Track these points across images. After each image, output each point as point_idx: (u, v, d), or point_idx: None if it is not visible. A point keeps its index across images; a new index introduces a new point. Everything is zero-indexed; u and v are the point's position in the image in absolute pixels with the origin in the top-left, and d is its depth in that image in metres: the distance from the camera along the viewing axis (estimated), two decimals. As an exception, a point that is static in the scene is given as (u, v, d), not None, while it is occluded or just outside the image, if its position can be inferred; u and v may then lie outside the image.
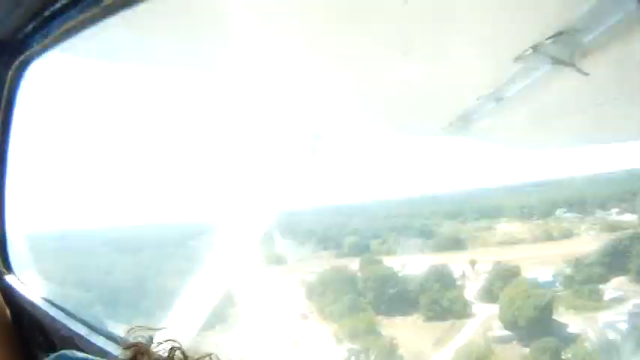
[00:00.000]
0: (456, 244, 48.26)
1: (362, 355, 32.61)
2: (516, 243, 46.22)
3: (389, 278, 33.21)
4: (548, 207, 51.50)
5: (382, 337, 31.00)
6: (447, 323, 30.83)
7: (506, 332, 24.69)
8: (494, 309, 27.79)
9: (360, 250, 53.04)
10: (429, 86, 2.01)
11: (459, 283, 32.93)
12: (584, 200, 51.54)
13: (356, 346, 32.94)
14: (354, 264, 41.75)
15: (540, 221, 52.37)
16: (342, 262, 47.59)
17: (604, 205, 47.67)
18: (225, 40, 1.56)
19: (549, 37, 1.40)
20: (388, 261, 41.23)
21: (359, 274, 39.12)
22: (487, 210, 62.44)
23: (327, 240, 61.67)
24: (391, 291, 34.21)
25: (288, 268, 51.14)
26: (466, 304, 30.27)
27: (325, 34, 1.40)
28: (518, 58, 1.33)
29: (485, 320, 28.61)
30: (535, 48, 1.39)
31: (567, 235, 40.16)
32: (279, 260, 52.28)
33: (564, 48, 1.41)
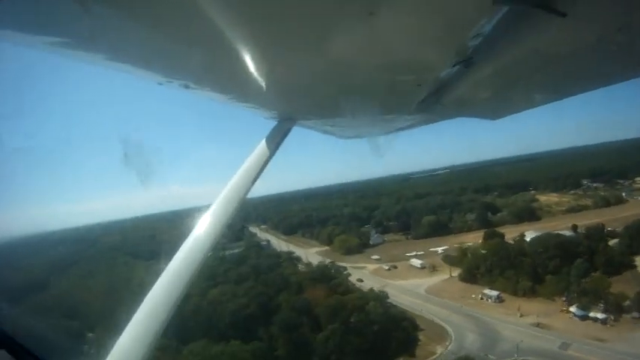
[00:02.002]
0: (530, 214, 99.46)
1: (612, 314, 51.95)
2: (582, 210, 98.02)
3: (559, 245, 63.50)
4: (574, 178, 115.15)
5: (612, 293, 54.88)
6: (627, 274, 60.99)
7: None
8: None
9: (440, 228, 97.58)
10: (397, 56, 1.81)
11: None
12: (602, 171, 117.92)
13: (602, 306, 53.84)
14: (470, 240, 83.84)
15: (578, 191, 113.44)
16: (426, 242, 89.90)
17: (625, 175, 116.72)
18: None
19: None
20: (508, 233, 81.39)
21: (512, 246, 70.11)
22: (514, 184, 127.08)
23: (383, 222, 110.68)
24: (561, 256, 59.18)
25: (385, 256, 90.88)
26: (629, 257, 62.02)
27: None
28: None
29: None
30: None
31: (620, 200, 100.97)
32: (359, 249, 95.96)
33: None
